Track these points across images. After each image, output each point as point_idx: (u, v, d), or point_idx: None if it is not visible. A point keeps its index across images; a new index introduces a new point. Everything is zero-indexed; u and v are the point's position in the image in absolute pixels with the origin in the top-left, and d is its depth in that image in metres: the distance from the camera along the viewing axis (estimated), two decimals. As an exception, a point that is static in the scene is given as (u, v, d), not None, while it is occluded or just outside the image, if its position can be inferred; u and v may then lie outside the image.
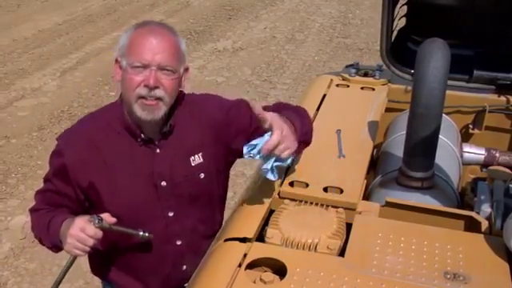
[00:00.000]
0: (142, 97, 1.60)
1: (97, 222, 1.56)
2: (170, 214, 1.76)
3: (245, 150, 1.51)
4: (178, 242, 1.81)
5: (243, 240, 1.42)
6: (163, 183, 1.72)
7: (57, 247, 1.68)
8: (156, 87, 1.59)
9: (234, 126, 1.77)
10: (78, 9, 8.62)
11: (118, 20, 8.20)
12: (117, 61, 1.66)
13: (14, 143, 4.88)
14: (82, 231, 1.54)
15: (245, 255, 1.37)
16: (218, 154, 1.79)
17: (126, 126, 1.68)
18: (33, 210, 1.79)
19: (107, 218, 1.60)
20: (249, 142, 1.56)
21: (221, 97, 1.87)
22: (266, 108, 1.59)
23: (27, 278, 3.39)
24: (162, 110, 1.63)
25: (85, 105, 5.55)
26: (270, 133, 1.48)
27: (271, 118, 1.48)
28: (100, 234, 1.57)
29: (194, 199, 1.78)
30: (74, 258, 1.67)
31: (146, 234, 1.69)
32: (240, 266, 1.33)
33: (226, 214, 1.73)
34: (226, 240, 1.44)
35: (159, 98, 1.61)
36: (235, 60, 6.78)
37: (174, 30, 1.70)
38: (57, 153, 1.72)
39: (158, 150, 1.71)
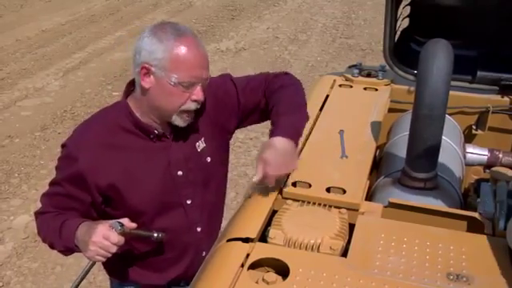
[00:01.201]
0: (187, 111, 1.64)
1: (119, 228, 1.54)
2: (188, 202, 1.80)
3: None
4: (198, 229, 1.85)
5: (246, 240, 1.42)
6: (179, 173, 1.75)
7: (70, 251, 1.67)
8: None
9: (224, 107, 1.82)
10: (81, 9, 8.63)
11: (121, 20, 8.21)
12: (145, 68, 1.58)
13: (17, 143, 4.90)
14: (105, 239, 1.52)
15: (247, 255, 1.36)
16: (216, 135, 1.84)
17: (137, 125, 1.68)
18: (39, 213, 1.74)
19: (127, 223, 1.59)
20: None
21: None
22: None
23: (30, 277, 3.40)
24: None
25: (88, 104, 5.56)
26: None
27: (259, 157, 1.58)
28: (123, 240, 1.56)
29: (206, 184, 1.83)
30: (94, 263, 1.66)
31: (160, 235, 1.69)
32: (242, 266, 1.33)
33: (228, 214, 1.73)
34: (229, 240, 1.44)
35: None
36: (238, 60, 6.78)
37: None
38: (68, 158, 1.67)
39: (171, 143, 1.73)
